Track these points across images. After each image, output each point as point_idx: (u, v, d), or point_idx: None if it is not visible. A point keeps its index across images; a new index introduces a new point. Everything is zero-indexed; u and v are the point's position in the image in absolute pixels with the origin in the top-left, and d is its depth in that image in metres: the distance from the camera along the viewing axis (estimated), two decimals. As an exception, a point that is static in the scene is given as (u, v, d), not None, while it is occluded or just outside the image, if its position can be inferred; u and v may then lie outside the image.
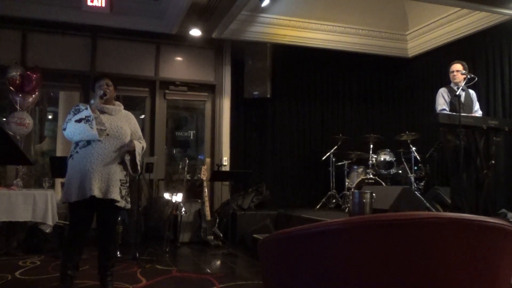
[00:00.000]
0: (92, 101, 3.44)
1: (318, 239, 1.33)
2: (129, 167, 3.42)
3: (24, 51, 6.10)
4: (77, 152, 3.27)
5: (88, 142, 3.24)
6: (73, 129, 3.21)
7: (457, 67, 4.75)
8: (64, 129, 3.27)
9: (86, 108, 3.25)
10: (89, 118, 3.18)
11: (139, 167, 3.53)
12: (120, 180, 3.34)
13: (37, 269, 4.34)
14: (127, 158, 3.40)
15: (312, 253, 1.35)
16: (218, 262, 5.02)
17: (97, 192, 3.18)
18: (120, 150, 3.32)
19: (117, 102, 3.52)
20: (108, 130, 3.29)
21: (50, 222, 4.81)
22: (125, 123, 3.45)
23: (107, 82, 3.43)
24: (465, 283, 1.25)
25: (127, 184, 3.44)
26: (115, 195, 3.26)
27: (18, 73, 5.53)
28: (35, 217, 4.77)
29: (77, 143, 3.29)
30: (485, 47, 6.24)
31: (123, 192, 3.35)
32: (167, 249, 5.38)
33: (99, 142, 3.24)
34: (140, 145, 3.49)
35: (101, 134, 3.24)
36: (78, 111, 3.30)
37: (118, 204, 3.31)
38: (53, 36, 6.26)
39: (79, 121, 3.19)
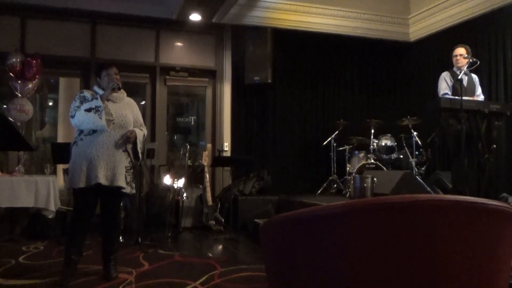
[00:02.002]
0: (95, 88, 3.46)
1: (318, 223, 1.33)
2: (130, 155, 3.45)
3: (24, 37, 6.06)
4: (81, 139, 3.29)
5: (94, 130, 3.28)
6: (82, 118, 3.23)
7: (460, 51, 4.72)
8: (72, 117, 3.28)
9: (96, 98, 3.26)
10: (99, 108, 3.21)
11: (140, 155, 3.57)
12: (125, 167, 3.39)
13: (41, 254, 4.38)
14: (129, 146, 3.45)
15: (312, 236, 1.35)
16: (220, 247, 5.06)
17: (103, 180, 3.22)
18: (123, 138, 3.35)
19: (121, 89, 3.53)
20: (114, 119, 3.32)
21: (52, 208, 4.84)
22: (128, 111, 3.49)
23: (115, 71, 3.45)
24: (466, 266, 1.26)
25: (132, 170, 3.48)
26: (121, 182, 3.32)
27: (19, 60, 5.51)
28: (38, 203, 4.79)
29: (81, 130, 3.31)
30: (488, 31, 6.18)
31: (128, 178, 3.41)
32: (169, 234, 5.42)
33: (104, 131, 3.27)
34: (141, 133, 3.53)
35: (108, 124, 3.27)
36: (84, 98, 3.32)
37: (124, 190, 3.36)
38: (53, 22, 6.21)
39: (89, 110, 3.21)
